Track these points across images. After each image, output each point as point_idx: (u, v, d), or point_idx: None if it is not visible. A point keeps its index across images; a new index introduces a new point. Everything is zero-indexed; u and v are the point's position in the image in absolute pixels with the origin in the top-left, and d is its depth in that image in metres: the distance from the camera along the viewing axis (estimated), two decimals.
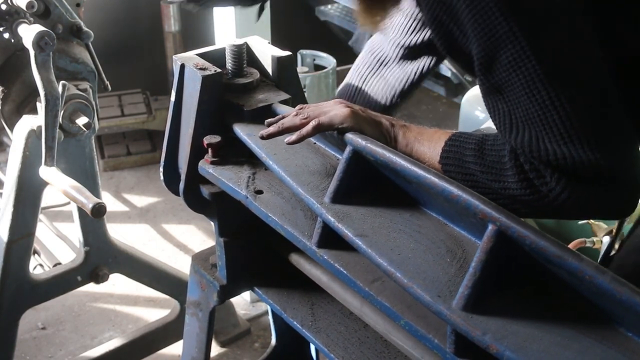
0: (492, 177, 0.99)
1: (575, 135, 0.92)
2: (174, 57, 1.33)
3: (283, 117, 1.15)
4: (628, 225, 1.87)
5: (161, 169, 1.38)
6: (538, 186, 0.95)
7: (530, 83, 0.93)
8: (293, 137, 1.11)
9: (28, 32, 1.65)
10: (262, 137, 1.14)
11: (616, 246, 1.86)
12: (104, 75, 1.96)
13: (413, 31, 1.43)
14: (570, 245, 1.95)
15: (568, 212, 0.99)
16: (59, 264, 2.29)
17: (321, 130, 1.10)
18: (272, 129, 1.13)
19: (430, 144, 1.07)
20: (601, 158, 0.92)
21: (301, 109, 1.15)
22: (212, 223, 1.40)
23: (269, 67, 1.38)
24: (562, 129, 0.93)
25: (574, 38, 0.95)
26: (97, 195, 1.97)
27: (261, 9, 1.42)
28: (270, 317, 1.70)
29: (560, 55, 0.94)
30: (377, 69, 1.51)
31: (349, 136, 1.07)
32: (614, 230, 1.87)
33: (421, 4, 1.04)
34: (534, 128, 0.94)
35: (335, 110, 1.11)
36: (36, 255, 2.38)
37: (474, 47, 0.96)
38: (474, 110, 2.61)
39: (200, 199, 1.33)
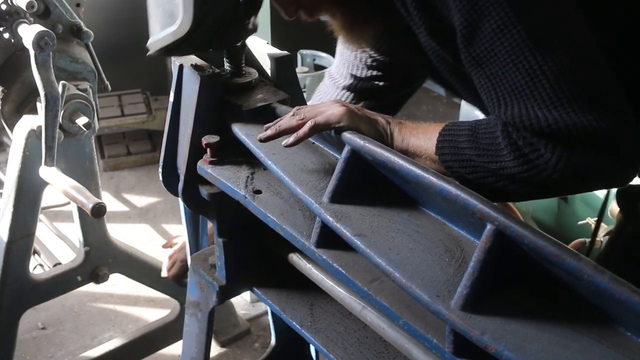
0: (489, 159, 0.99)
1: (566, 98, 0.91)
2: (172, 57, 1.33)
3: (280, 120, 1.15)
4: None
5: (160, 170, 1.38)
6: (534, 160, 0.94)
7: (516, 49, 0.92)
8: (290, 139, 1.11)
9: (28, 32, 1.65)
10: (261, 140, 1.15)
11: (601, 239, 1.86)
12: (104, 75, 1.96)
13: (366, 65, 1.47)
14: (570, 245, 1.95)
15: (568, 184, 0.97)
16: (59, 264, 2.29)
17: (318, 130, 1.10)
18: (269, 131, 1.14)
19: (425, 136, 1.08)
20: (594, 120, 0.90)
21: (298, 110, 1.15)
22: (211, 223, 1.40)
23: (267, 67, 1.38)
24: (551, 93, 0.91)
25: (558, 1, 0.94)
26: (97, 195, 1.98)
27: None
28: (269, 317, 1.70)
29: (545, 19, 0.93)
30: (333, 93, 1.54)
31: (348, 136, 1.07)
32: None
33: None
34: (522, 98, 0.93)
35: (331, 109, 1.11)
36: (36, 255, 2.38)
37: (456, 18, 0.95)
38: (474, 110, 2.61)
39: (199, 200, 1.33)
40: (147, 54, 1.25)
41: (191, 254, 1.60)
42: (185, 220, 1.56)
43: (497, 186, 0.96)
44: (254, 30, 1.24)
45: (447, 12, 0.97)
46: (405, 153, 1.11)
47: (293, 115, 1.14)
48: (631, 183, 1.30)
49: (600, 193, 1.94)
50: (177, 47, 1.17)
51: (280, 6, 1.22)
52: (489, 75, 0.96)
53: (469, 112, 2.63)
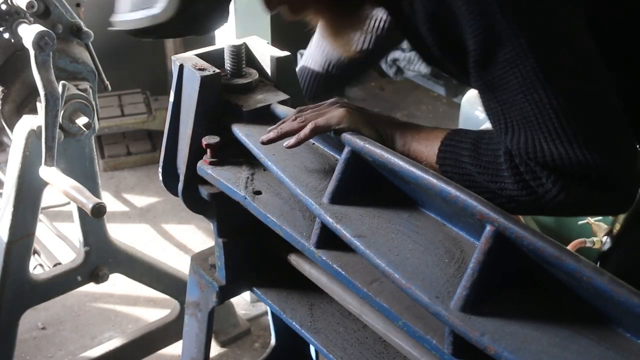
0: (489, 177, 0.99)
1: (572, 135, 0.92)
2: (172, 57, 1.33)
3: (283, 122, 1.16)
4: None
5: (160, 170, 1.38)
6: (534, 187, 0.95)
7: (528, 81, 0.92)
8: (292, 140, 1.12)
9: (28, 32, 1.65)
10: (263, 143, 1.16)
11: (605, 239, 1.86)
12: (104, 75, 1.96)
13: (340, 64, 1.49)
14: (570, 246, 1.95)
15: (565, 211, 0.99)
16: (59, 264, 2.29)
17: (318, 132, 1.11)
18: (271, 134, 1.15)
19: (427, 142, 1.07)
20: (598, 158, 0.92)
21: (300, 112, 1.15)
22: (211, 223, 1.40)
23: (268, 67, 1.38)
24: (558, 128, 0.92)
25: (574, 35, 0.95)
26: (97, 195, 1.97)
27: None
28: (269, 317, 1.70)
29: (560, 54, 0.93)
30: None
31: (347, 137, 1.07)
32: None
33: (416, 2, 1.03)
34: (530, 129, 0.94)
35: (332, 111, 1.11)
36: (36, 255, 2.38)
37: (469, 43, 0.96)
38: (474, 110, 2.61)
39: (199, 200, 1.33)
40: (109, 29, 1.23)
41: None
42: None
43: (494, 203, 0.97)
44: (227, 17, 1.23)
45: (461, 35, 0.97)
46: (406, 156, 1.11)
47: (295, 117, 1.14)
48: None
49: None
50: (153, 31, 1.15)
51: None
52: (499, 101, 0.96)
53: (469, 113, 2.63)
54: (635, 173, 0.97)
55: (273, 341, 1.70)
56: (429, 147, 1.07)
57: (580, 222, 2.01)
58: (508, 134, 0.96)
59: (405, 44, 3.75)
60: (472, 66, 0.97)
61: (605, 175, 0.94)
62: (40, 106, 1.72)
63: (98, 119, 1.93)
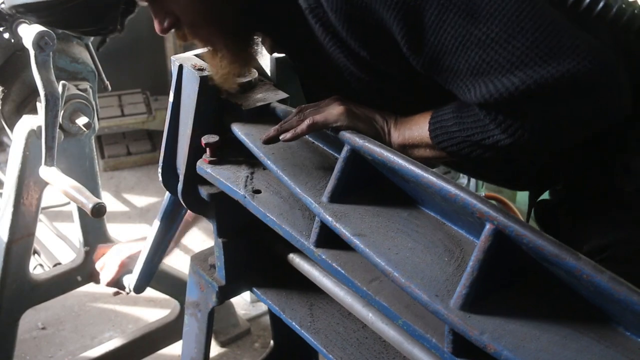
0: (480, 136, 1.02)
1: (524, 57, 0.90)
2: (172, 57, 1.33)
3: (284, 122, 1.16)
4: None
5: (160, 170, 1.38)
6: (516, 127, 0.96)
7: (460, 29, 0.92)
8: (288, 134, 1.13)
9: (28, 32, 1.65)
10: (264, 142, 1.17)
11: None
12: (104, 75, 1.96)
13: None
14: None
15: (560, 136, 0.99)
16: (59, 264, 2.29)
17: (316, 128, 1.12)
18: (272, 132, 1.16)
19: (418, 126, 1.11)
20: (559, 66, 0.89)
21: (300, 110, 1.16)
22: (210, 223, 1.40)
23: (267, 67, 1.38)
24: (507, 57, 0.91)
25: None
26: (97, 195, 1.98)
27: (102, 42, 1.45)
28: (269, 317, 1.70)
29: None
30: None
31: (347, 135, 1.07)
32: None
33: (329, 11, 1.05)
34: (482, 74, 0.94)
35: (330, 108, 1.12)
36: (36, 255, 2.38)
37: (395, 27, 0.96)
38: None
39: (199, 200, 1.33)
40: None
41: (150, 252, 1.61)
42: (162, 217, 1.56)
43: (488, 156, 0.99)
44: (121, 30, 1.24)
45: (383, 25, 0.98)
46: (404, 146, 1.13)
47: (295, 115, 1.16)
48: (545, 197, 1.33)
49: None
50: (41, 10, 1.16)
51: (153, 15, 1.19)
52: (446, 69, 0.97)
53: None
54: (609, 65, 0.93)
55: (273, 341, 1.70)
56: (421, 130, 1.10)
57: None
58: (470, 91, 0.97)
59: None
60: (407, 49, 0.98)
61: (573, 80, 0.90)
62: (40, 106, 1.72)
63: (98, 119, 1.93)
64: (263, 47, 1.29)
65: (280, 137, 1.13)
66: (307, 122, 1.11)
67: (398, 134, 1.13)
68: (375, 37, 1.03)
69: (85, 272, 2.10)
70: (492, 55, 0.92)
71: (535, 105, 0.94)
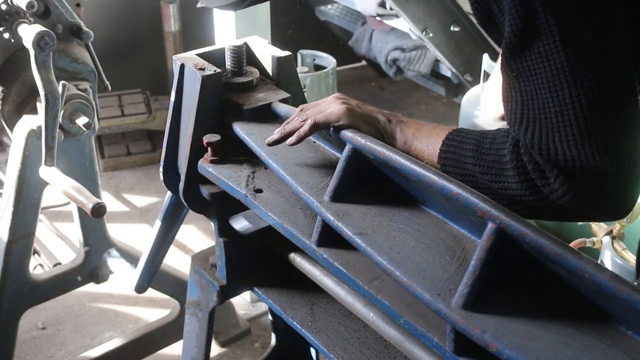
0: (492, 177, 0.99)
1: (588, 138, 0.91)
2: (173, 57, 1.33)
3: (287, 123, 1.17)
4: (628, 224, 1.87)
5: (161, 169, 1.38)
6: (540, 187, 0.94)
7: (555, 78, 0.91)
8: (292, 138, 1.13)
9: (28, 32, 1.65)
10: (269, 144, 1.17)
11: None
12: (104, 75, 1.96)
13: None
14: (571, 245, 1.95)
15: (567, 215, 0.98)
16: (59, 264, 2.29)
17: (318, 128, 1.11)
18: (275, 135, 1.16)
19: (428, 141, 1.07)
20: (609, 164, 0.91)
21: (301, 110, 1.16)
22: (212, 223, 1.40)
23: (268, 67, 1.38)
24: (576, 130, 0.91)
25: (609, 40, 0.93)
26: (97, 195, 1.97)
27: None
28: (270, 317, 1.70)
29: (591, 56, 0.92)
30: None
31: (349, 134, 1.07)
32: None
33: None
34: (547, 125, 0.93)
35: (331, 108, 1.12)
36: (36, 255, 2.38)
37: (507, 28, 0.95)
38: (474, 110, 2.61)
39: (200, 199, 1.33)
40: (199, 5, 1.25)
41: (152, 252, 1.61)
42: (163, 217, 1.56)
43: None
44: None
45: (502, 20, 0.97)
46: (406, 152, 1.10)
47: (297, 116, 1.15)
48: None
49: None
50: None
51: None
52: (521, 90, 0.96)
53: (469, 113, 2.63)
54: (638, 180, 0.97)
55: (273, 341, 1.70)
56: (430, 146, 1.06)
57: (580, 223, 2.01)
58: (522, 125, 0.96)
59: (405, 44, 3.73)
60: (505, 51, 0.97)
61: (615, 184, 0.93)
62: (40, 106, 1.72)
63: (98, 119, 1.93)
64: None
65: (287, 143, 1.13)
66: (309, 123, 1.11)
67: (404, 141, 1.10)
68: (492, 20, 1.00)
69: (85, 272, 2.10)
70: (567, 119, 0.92)
71: (567, 180, 0.93)
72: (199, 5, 1.28)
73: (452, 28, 3.19)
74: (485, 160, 1.00)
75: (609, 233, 1.91)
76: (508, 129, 1.00)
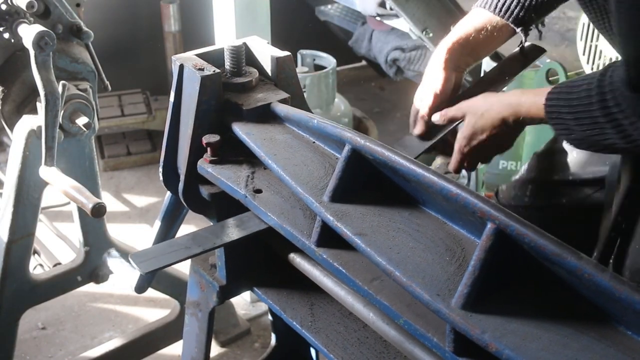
0: (591, 132, 1.09)
1: None
2: (173, 57, 1.33)
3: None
4: None
5: (160, 169, 1.38)
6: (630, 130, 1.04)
7: None
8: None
9: (28, 32, 1.65)
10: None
11: None
12: (104, 75, 1.96)
13: None
14: None
15: None
16: (59, 264, 2.29)
17: None
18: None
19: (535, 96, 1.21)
20: None
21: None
22: (211, 223, 1.40)
23: (268, 67, 1.38)
24: None
25: None
26: (97, 195, 1.97)
27: None
28: (269, 317, 1.70)
29: None
30: None
31: (348, 135, 1.07)
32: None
33: None
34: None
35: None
36: (36, 255, 2.38)
37: None
38: None
39: (200, 199, 1.33)
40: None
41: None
42: (162, 217, 1.56)
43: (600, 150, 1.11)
44: None
45: None
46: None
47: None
48: None
49: None
50: None
51: None
52: (634, 26, 1.01)
53: None
54: None
55: (273, 341, 1.70)
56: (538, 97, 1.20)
57: None
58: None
59: (405, 44, 3.73)
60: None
61: None
62: (40, 106, 1.72)
63: (98, 119, 1.93)
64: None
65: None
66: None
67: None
68: None
69: (85, 272, 2.10)
70: None
71: None
72: None
73: (452, 28, 3.18)
74: (581, 116, 1.10)
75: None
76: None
